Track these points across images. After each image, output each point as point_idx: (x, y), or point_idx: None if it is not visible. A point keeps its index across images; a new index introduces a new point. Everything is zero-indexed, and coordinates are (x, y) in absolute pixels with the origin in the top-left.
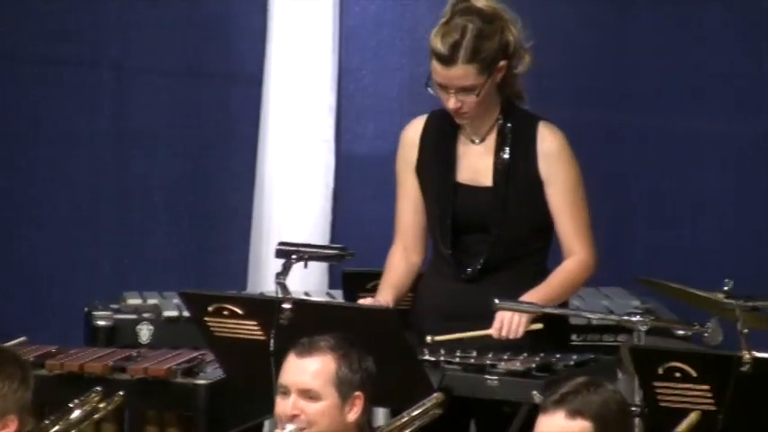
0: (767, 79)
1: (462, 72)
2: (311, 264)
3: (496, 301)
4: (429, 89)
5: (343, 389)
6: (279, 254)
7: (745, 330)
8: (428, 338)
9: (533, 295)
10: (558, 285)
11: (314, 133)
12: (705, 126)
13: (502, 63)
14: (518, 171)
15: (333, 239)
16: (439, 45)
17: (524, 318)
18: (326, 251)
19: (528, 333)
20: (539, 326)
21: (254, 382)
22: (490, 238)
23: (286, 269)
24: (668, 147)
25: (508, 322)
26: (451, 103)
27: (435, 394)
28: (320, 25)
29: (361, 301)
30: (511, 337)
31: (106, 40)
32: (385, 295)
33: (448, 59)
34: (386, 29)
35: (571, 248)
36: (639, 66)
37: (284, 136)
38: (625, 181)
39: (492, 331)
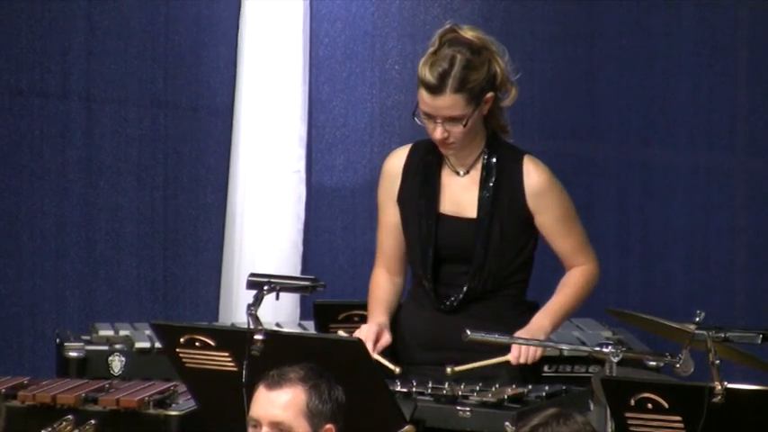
0: (735, 111)
1: (450, 102)
2: (282, 295)
3: (468, 332)
4: (416, 119)
5: (314, 420)
6: (250, 285)
7: (717, 361)
8: (448, 369)
9: (550, 307)
10: (573, 294)
11: (284, 164)
12: (673, 157)
13: (489, 94)
14: (503, 205)
15: (304, 271)
16: (427, 74)
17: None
18: (298, 282)
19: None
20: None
21: (225, 413)
22: (471, 269)
23: (257, 300)
24: (637, 178)
25: (525, 350)
26: (438, 133)
27: (406, 426)
28: (290, 56)
29: (358, 332)
30: (529, 362)
31: (75, 72)
32: (377, 316)
33: (436, 89)
34: (356, 60)
35: (573, 264)
36: (608, 98)
37: (255, 167)
38: (594, 212)
39: (510, 358)
